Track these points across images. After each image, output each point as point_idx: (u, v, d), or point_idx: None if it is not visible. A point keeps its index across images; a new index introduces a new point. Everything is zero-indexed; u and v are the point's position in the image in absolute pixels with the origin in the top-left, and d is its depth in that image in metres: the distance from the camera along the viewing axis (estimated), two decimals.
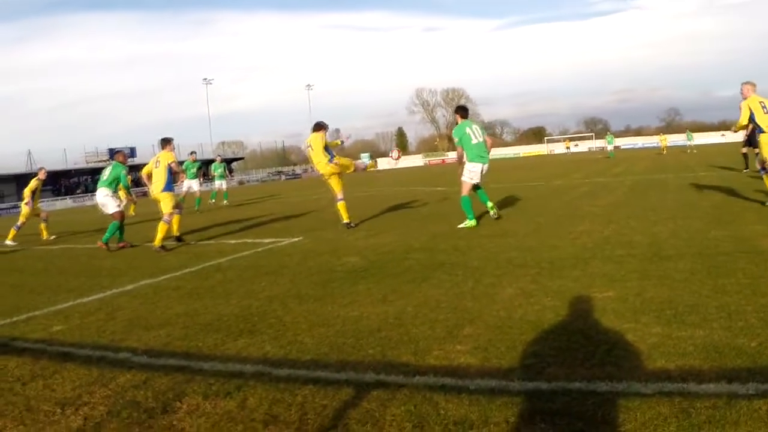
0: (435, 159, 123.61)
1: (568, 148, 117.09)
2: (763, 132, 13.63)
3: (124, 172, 16.92)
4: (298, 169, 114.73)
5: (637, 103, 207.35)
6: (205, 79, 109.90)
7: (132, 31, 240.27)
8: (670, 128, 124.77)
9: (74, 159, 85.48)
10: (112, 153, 75.05)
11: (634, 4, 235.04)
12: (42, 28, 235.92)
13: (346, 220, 16.42)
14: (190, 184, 30.58)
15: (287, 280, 9.64)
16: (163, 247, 14.81)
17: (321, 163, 16.44)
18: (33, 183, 22.07)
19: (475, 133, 14.87)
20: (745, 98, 13.95)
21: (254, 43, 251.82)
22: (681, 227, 11.47)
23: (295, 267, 10.76)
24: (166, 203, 15.56)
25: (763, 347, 5.04)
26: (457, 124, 15.37)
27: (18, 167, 78.23)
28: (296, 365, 5.65)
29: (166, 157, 15.77)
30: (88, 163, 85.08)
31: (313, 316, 7.28)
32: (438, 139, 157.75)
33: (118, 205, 16.62)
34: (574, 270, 8.56)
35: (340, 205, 16.58)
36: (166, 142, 16.24)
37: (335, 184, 16.65)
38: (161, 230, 14.99)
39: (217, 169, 35.08)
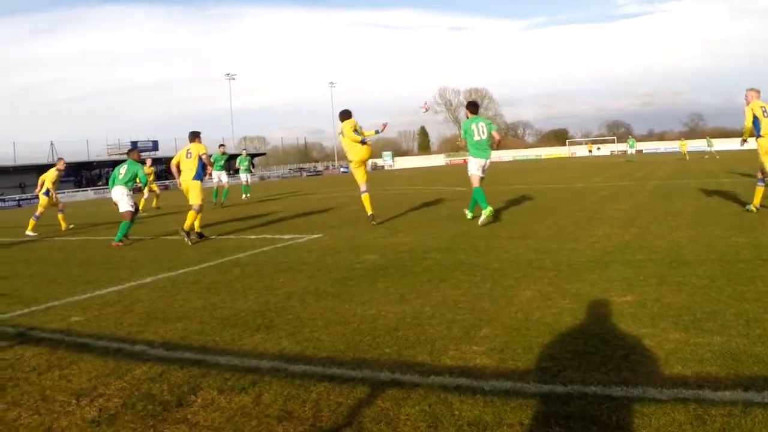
0: (457, 159, 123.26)
1: (590, 151, 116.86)
2: (761, 137, 14.07)
3: (141, 170, 17.27)
4: (319, 166, 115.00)
5: (660, 107, 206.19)
6: (228, 74, 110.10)
7: (157, 23, 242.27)
8: (693, 133, 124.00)
9: (96, 151, 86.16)
10: (135, 146, 75.60)
11: (661, 8, 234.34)
12: (68, 20, 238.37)
13: (370, 212, 16.64)
14: (220, 177, 30.69)
15: (305, 276, 9.67)
16: (188, 232, 15.23)
17: (355, 148, 16.53)
18: (52, 173, 22.42)
19: (479, 131, 15.34)
20: (748, 104, 14.43)
21: (278, 39, 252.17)
22: (701, 233, 11.42)
23: (313, 264, 10.79)
24: (195, 192, 15.84)
25: None
26: (467, 117, 16.04)
27: (40, 158, 78.76)
28: (312, 362, 5.67)
29: (197, 149, 16.11)
30: (110, 155, 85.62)
31: (331, 314, 7.31)
32: (460, 139, 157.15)
33: (131, 205, 16.85)
34: (593, 273, 8.54)
35: (365, 197, 16.72)
36: (195, 135, 16.47)
37: (360, 176, 16.78)
38: (191, 217, 15.48)
39: (242, 163, 35.25)
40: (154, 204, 31.35)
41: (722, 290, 7.20)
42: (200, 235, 16.07)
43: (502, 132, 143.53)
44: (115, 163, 20.66)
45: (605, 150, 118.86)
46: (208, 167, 16.37)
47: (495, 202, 14.12)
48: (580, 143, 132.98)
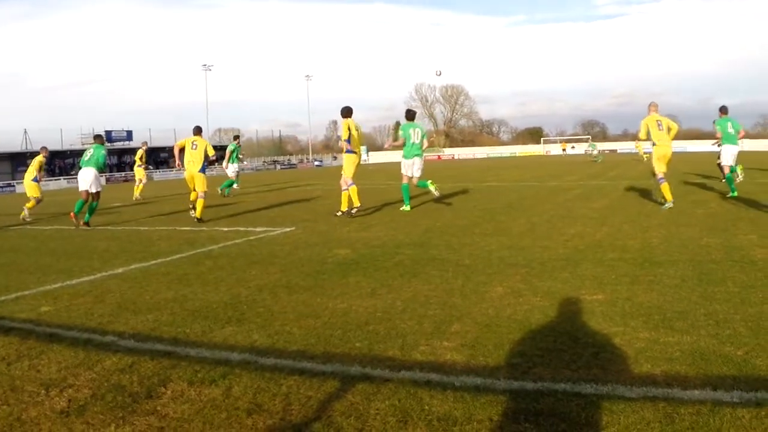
0: (431, 155, 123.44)
1: (564, 149, 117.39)
2: (656, 145, 16.59)
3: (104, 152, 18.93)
4: (293, 160, 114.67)
5: (637, 108, 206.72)
6: (205, 65, 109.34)
7: (133, 12, 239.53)
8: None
9: (70, 140, 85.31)
10: (109, 135, 75.34)
11: (638, 9, 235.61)
12: (42, 6, 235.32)
13: (349, 206, 17.20)
14: (235, 168, 29.99)
15: (277, 269, 9.65)
16: (200, 219, 17.42)
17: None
18: (41, 160, 22.76)
19: (414, 135, 18.07)
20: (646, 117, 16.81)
21: (256, 31, 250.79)
22: (674, 234, 11.50)
23: (286, 257, 10.76)
24: (200, 182, 17.80)
25: (750, 356, 5.05)
26: (406, 122, 18.63)
27: (14, 146, 78.16)
28: (283, 355, 5.65)
29: (203, 142, 17.99)
30: (83, 144, 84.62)
31: (302, 307, 7.29)
32: (435, 135, 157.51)
33: (99, 186, 18.66)
34: (565, 271, 8.57)
35: (353, 190, 17.16)
36: (199, 129, 18.50)
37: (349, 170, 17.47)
38: (200, 205, 17.62)
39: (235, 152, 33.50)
40: (137, 192, 30.78)
41: (693, 290, 7.25)
42: (199, 219, 17.48)
43: (476, 129, 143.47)
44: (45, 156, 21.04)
45: (579, 149, 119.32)
46: (210, 160, 18.21)
47: (469, 199, 14.21)
48: (554, 142, 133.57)
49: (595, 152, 69.84)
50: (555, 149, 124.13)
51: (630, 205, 17.21)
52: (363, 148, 18.93)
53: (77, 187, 19.13)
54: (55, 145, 79.77)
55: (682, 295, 7.08)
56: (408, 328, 6.27)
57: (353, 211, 16.99)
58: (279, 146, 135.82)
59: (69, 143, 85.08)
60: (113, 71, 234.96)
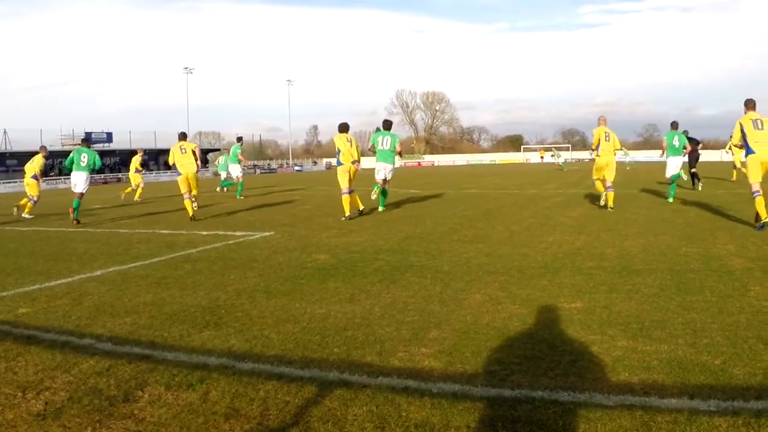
0: (411, 161, 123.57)
1: (542, 157, 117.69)
2: (599, 156, 18.54)
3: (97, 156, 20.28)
4: (273, 164, 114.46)
5: (619, 117, 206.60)
6: (186, 67, 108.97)
7: (115, 13, 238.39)
8: (648, 144, 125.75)
9: (50, 141, 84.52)
10: (89, 136, 74.87)
11: (621, 19, 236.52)
12: (23, 6, 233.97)
13: (360, 207, 18.66)
14: (236, 172, 30.74)
15: (256, 274, 9.62)
16: (193, 217, 18.76)
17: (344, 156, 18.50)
18: (41, 160, 23.76)
19: (384, 142, 19.52)
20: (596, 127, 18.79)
21: (238, 34, 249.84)
22: (652, 243, 11.55)
23: (265, 261, 10.74)
24: (196, 183, 19.42)
25: (727, 365, 5.08)
26: (378, 130, 20.38)
27: None
28: (260, 360, 5.64)
29: (190, 146, 19.62)
30: (63, 145, 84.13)
31: (280, 312, 7.27)
32: (415, 142, 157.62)
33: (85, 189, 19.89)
34: (543, 279, 8.59)
35: (355, 195, 18.32)
36: (184, 135, 20.29)
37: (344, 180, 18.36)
38: (188, 205, 19.02)
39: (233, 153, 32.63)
40: (126, 192, 31.61)
41: (671, 299, 7.28)
42: (192, 218, 18.75)
43: (457, 136, 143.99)
44: (68, 154, 21.20)
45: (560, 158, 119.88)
46: (198, 162, 19.67)
47: (449, 206, 14.29)
48: (534, 150, 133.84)
49: (561, 161, 70.45)
50: (535, 157, 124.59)
51: (608, 213, 17.26)
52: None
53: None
54: (34, 146, 79.07)
55: (660, 304, 7.11)
56: (386, 334, 6.27)
57: (342, 218, 17.40)
58: (259, 150, 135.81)
59: (49, 144, 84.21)
60: (94, 73, 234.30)
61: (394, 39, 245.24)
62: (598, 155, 18.64)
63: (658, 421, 4.08)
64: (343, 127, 18.61)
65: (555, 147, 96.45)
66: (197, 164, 19.56)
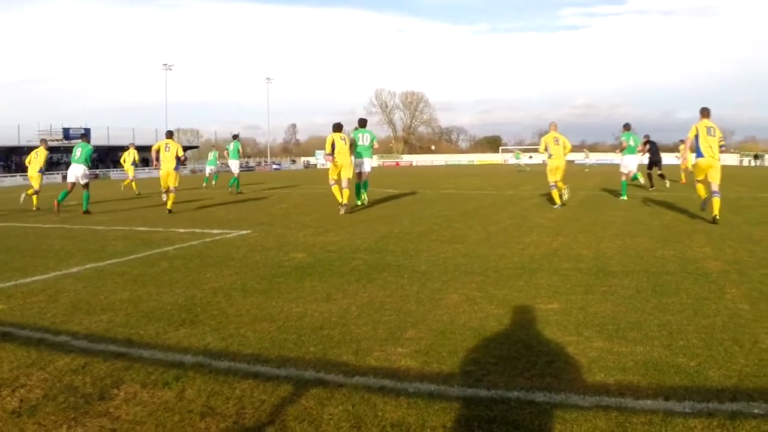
0: (389, 161, 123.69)
1: (517, 158, 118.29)
2: (551, 158, 20.27)
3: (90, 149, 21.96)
4: (251, 162, 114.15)
5: (598, 119, 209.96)
6: (165, 64, 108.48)
7: (94, 9, 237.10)
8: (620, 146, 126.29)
9: (28, 136, 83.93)
10: (67, 132, 74.80)
11: (601, 21, 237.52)
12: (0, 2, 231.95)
13: (345, 202, 19.38)
14: (235, 166, 32.68)
15: (233, 272, 9.59)
16: (170, 210, 20.59)
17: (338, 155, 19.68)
18: (45, 153, 24.10)
19: (362, 138, 20.79)
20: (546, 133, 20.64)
21: (218, 32, 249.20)
22: (629, 244, 11.61)
23: (241, 260, 10.70)
24: (174, 178, 20.98)
25: (702, 367, 5.11)
26: (359, 128, 21.30)
27: None
28: (237, 358, 5.61)
29: (175, 146, 21.18)
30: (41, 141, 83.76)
31: (257, 310, 7.25)
32: (393, 141, 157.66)
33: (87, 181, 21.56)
34: (520, 280, 8.61)
35: (346, 190, 19.63)
36: (171, 133, 22.48)
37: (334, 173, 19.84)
38: (172, 198, 21.05)
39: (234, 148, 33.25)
40: (125, 185, 33.24)
41: (647, 301, 7.32)
42: (169, 211, 20.52)
43: (435, 136, 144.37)
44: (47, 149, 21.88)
45: (537, 159, 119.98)
46: (183, 160, 21.69)
47: (426, 206, 14.38)
48: (512, 151, 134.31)
49: (522, 162, 70.97)
50: (513, 158, 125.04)
51: (585, 215, 17.36)
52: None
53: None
54: (11, 141, 78.80)
55: (636, 305, 7.14)
56: (362, 333, 6.27)
57: (339, 209, 19.03)
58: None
59: (26, 139, 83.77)
60: (73, 69, 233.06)
61: (374, 38, 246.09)
62: (550, 158, 20.36)
63: (633, 422, 4.10)
64: (334, 127, 19.90)
65: (518, 149, 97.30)
66: (178, 163, 21.14)
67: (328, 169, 19.72)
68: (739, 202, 21.23)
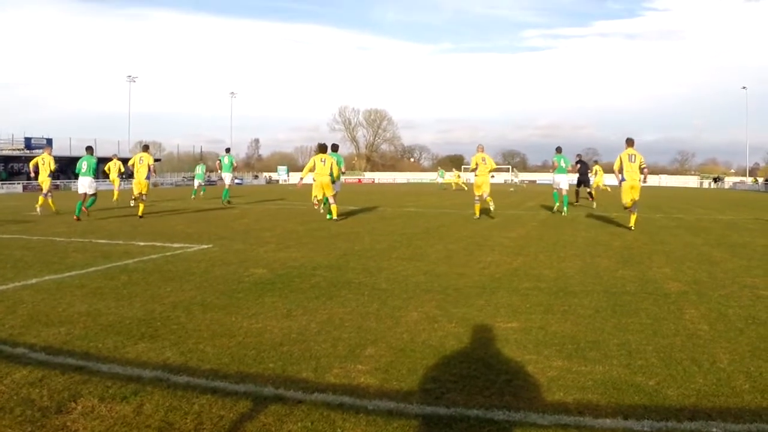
0: (351, 178, 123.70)
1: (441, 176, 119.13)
2: (477, 176, 22.79)
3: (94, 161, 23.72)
4: (213, 176, 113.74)
5: (561, 140, 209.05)
6: (130, 76, 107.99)
7: (56, 18, 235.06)
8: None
9: None
10: (29, 142, 74.53)
11: (565, 44, 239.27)
12: None
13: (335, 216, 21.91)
14: (229, 178, 34.74)
15: (193, 286, 9.53)
16: (141, 216, 22.90)
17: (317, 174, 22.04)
18: (51, 158, 25.68)
19: (324, 162, 21.84)
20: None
21: (182, 45, 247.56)
22: (589, 264, 11.70)
23: (201, 274, 10.64)
24: (145, 187, 23.81)
25: (661, 386, 5.15)
26: (317, 154, 22.57)
27: None
28: (195, 374, 5.58)
29: (147, 158, 24.00)
30: (1, 150, 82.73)
31: (216, 326, 7.21)
32: (356, 159, 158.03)
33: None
34: (480, 299, 8.63)
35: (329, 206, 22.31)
36: (146, 148, 25.12)
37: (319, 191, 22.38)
38: (142, 205, 23.76)
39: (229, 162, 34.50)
40: (115, 198, 33.11)
41: (606, 321, 7.38)
42: (140, 217, 22.82)
43: (398, 154, 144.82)
44: (7, 159, 22.25)
45: (499, 178, 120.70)
46: (153, 172, 24.44)
47: (388, 223, 14.42)
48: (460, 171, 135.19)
49: (440, 180, 71.68)
50: (473, 178, 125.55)
51: (547, 235, 17.46)
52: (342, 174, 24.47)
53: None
54: None
55: (595, 325, 7.20)
56: (322, 350, 6.25)
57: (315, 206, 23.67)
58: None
59: None
60: (34, 77, 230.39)
61: (338, 55, 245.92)
62: (476, 175, 22.86)
63: None
64: (317, 148, 22.86)
65: (439, 166, 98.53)
66: (149, 173, 23.97)
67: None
68: (698, 224, 21.55)
